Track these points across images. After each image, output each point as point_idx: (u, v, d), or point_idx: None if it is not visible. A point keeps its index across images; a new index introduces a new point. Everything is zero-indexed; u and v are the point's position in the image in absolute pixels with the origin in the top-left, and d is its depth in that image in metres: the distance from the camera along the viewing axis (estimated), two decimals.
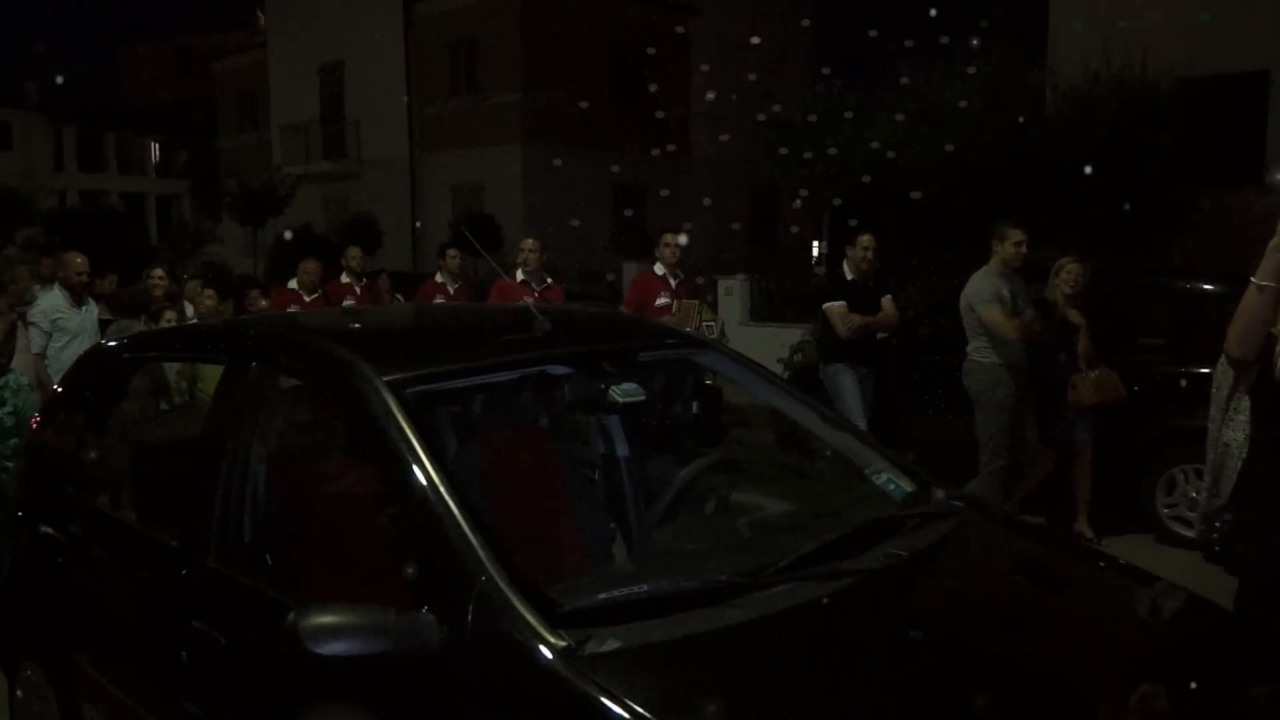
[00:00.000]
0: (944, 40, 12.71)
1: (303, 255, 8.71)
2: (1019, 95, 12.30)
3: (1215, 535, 2.90)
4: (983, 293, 5.91)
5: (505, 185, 22.42)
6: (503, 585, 1.97)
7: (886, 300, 6.80)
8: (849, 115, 13.45)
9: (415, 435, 2.26)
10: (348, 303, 8.49)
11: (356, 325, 3.37)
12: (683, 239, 7.21)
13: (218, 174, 30.65)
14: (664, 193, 19.20)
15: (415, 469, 2.21)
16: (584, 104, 22.49)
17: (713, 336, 6.73)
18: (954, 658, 2.09)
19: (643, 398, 2.88)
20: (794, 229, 20.25)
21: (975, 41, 12.39)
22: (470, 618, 1.97)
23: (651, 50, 23.96)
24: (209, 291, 7.42)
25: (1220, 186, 11.25)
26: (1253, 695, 2.18)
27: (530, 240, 7.26)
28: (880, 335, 6.92)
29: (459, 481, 2.23)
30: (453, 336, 3.10)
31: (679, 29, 24.29)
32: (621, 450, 3.27)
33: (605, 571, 2.58)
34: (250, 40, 31.54)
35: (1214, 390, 3.56)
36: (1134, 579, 2.58)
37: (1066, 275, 6.10)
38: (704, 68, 24.49)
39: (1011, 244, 5.97)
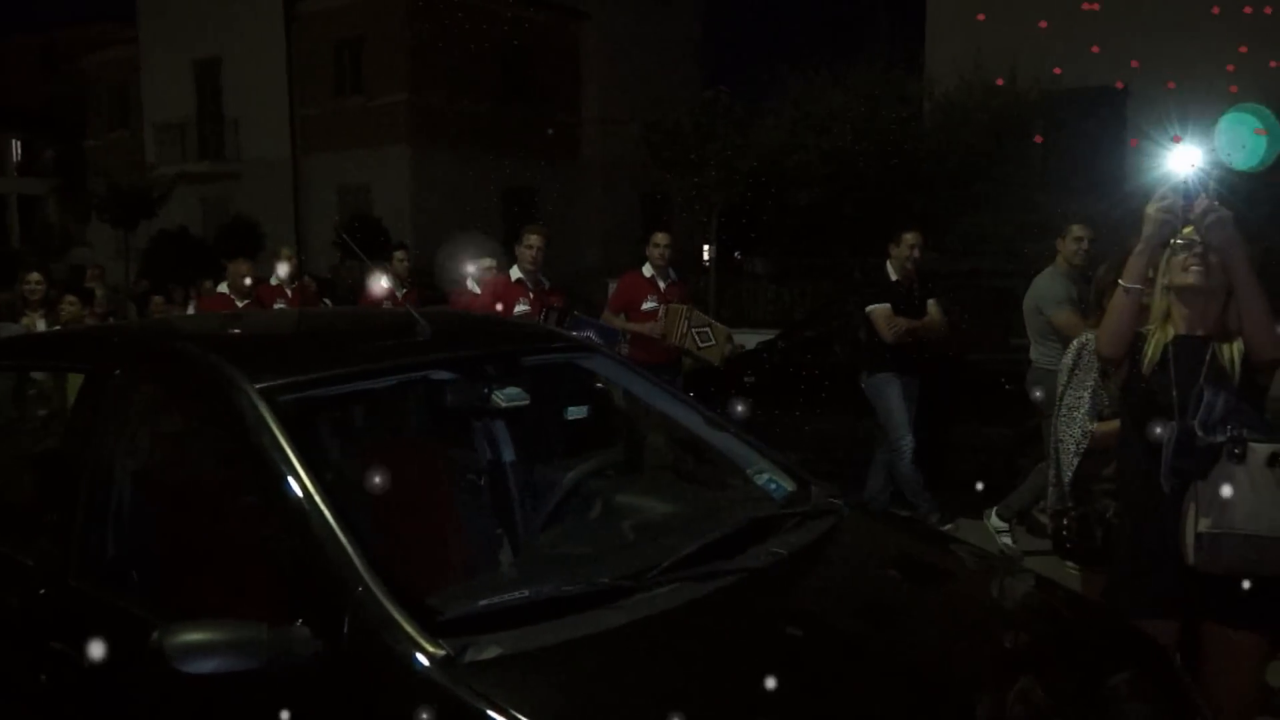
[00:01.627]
0: (827, 50, 13.03)
1: (179, 259, 8.31)
2: (898, 104, 12.71)
3: (1064, 532, 3.04)
4: (1054, 294, 5.52)
5: (392, 187, 22.04)
6: (379, 595, 1.93)
7: (932, 304, 6.30)
8: (735, 122, 13.66)
9: (289, 444, 2.19)
10: (279, 306, 8.00)
11: (230, 331, 3.26)
12: (663, 238, 6.76)
13: (85, 174, 29.24)
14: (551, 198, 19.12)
15: (289, 478, 2.14)
16: (473, 106, 22.32)
17: (710, 345, 6.42)
18: (834, 654, 2.13)
19: (526, 402, 2.86)
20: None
21: (856, 52, 12.75)
22: (346, 629, 1.92)
23: (541, 53, 23.91)
24: (70, 298, 6.99)
25: (1085, 195, 11.82)
26: (1113, 683, 2.29)
27: (534, 236, 6.52)
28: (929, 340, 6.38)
29: (336, 490, 2.17)
30: (330, 342, 3.02)
31: (568, 32, 24.32)
32: (507, 455, 3.24)
33: (488, 578, 2.55)
34: (121, 34, 30.21)
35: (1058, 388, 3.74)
36: (1009, 573, 2.68)
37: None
38: (593, 72, 24.58)
39: (1073, 239, 5.66)
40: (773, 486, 2.86)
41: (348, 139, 22.69)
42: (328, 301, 9.15)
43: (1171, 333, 2.68)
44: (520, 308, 6.26)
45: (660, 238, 6.77)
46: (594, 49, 24.74)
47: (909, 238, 6.24)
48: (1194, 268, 2.61)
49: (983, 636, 2.31)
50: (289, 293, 8.24)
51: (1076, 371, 3.63)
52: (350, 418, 3.05)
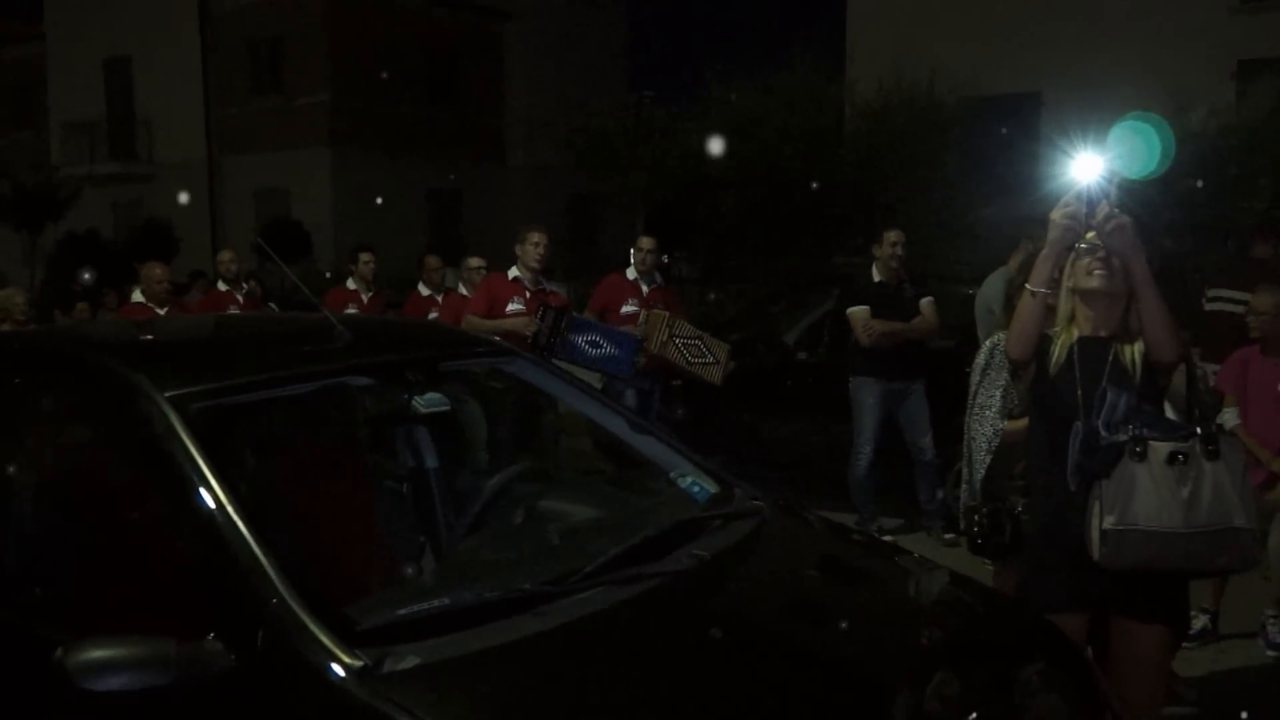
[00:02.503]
0: (750, 55, 13.19)
1: (84, 263, 7.95)
2: (820, 110, 12.89)
3: (976, 528, 3.12)
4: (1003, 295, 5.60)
5: (313, 190, 21.64)
6: (294, 606, 1.90)
7: (926, 303, 6.09)
8: (660, 126, 13.74)
9: (200, 453, 2.14)
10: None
11: (139, 337, 3.17)
12: (648, 242, 6.56)
13: None
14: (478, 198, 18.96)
15: (201, 489, 2.10)
16: (395, 107, 22.05)
17: (706, 361, 6.13)
18: (757, 655, 2.16)
19: (447, 408, 2.84)
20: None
21: (778, 57, 12.90)
22: (260, 642, 1.89)
23: (464, 55, 23.74)
24: None
25: (1001, 199, 12.14)
26: (1025, 675, 2.36)
27: (536, 234, 6.31)
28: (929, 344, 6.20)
29: (250, 500, 2.13)
30: (244, 348, 2.96)
31: (491, 33, 24.17)
32: (430, 461, 3.21)
33: (408, 586, 2.52)
34: (26, 31, 29.14)
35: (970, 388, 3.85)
36: (925, 571, 2.74)
37: None
38: (518, 74, 24.49)
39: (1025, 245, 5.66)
40: (696, 489, 2.88)
41: (266, 140, 22.22)
42: (274, 306, 8.80)
43: (1076, 334, 2.77)
44: (514, 306, 6.16)
45: (645, 242, 6.61)
46: (518, 51, 24.63)
47: (890, 236, 6.13)
48: (1097, 272, 2.70)
49: (900, 633, 2.36)
50: (239, 298, 7.78)
51: (988, 371, 3.74)
52: (265, 426, 2.98)
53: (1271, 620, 4.48)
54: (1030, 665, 2.37)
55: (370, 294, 7.83)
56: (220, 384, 2.43)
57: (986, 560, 3.37)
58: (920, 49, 12.47)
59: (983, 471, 3.63)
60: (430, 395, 2.77)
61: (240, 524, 2.03)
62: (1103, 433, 2.60)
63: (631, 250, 6.66)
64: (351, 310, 7.62)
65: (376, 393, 2.92)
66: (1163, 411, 2.73)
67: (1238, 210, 10.08)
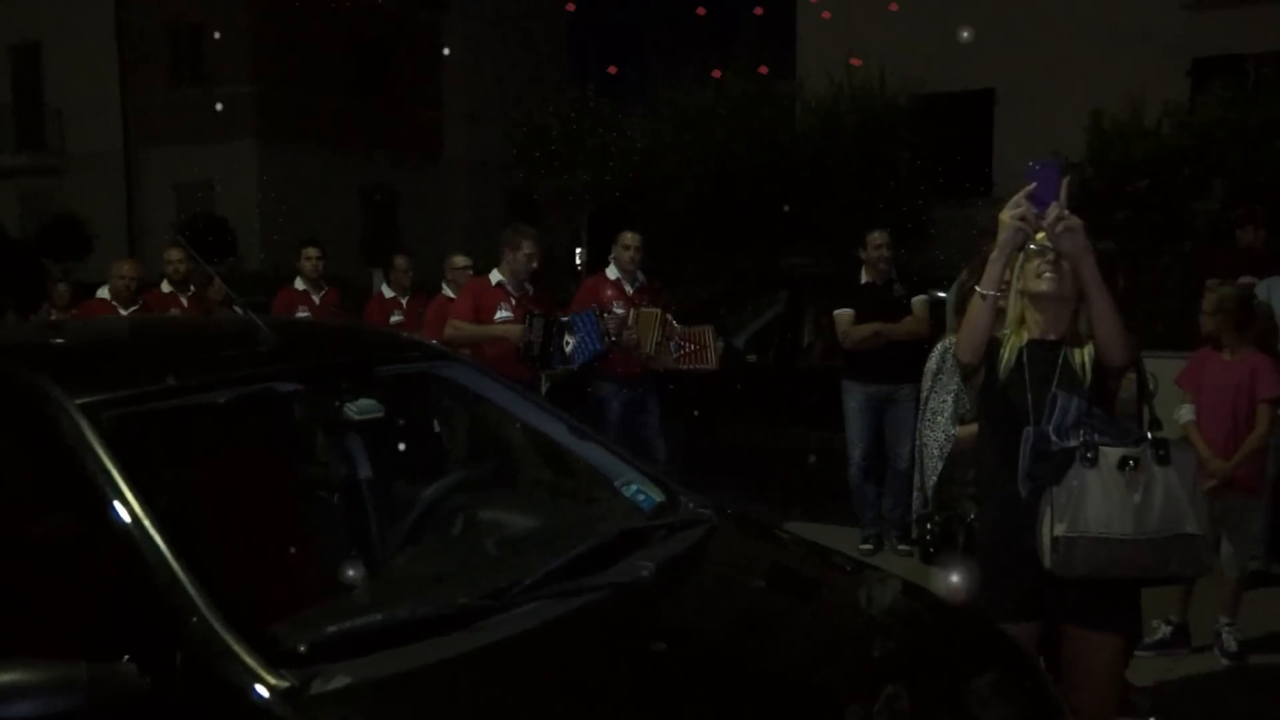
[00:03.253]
0: (698, 49, 13.24)
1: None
2: (770, 106, 12.99)
3: (928, 536, 3.17)
4: None
5: (238, 185, 21.30)
6: (216, 625, 1.87)
7: (918, 303, 6.07)
8: (604, 121, 13.74)
9: (114, 464, 2.10)
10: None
11: (50, 341, 3.10)
12: (632, 238, 6.35)
13: None
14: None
15: (115, 502, 2.06)
16: (326, 99, 21.79)
17: (693, 353, 6.02)
18: (703, 669, 2.16)
19: (381, 414, 2.82)
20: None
21: (726, 51, 12.97)
22: (179, 663, 1.86)
23: (399, 44, 23.54)
24: None
25: (953, 199, 12.35)
26: (977, 684, 2.40)
27: (529, 243, 6.00)
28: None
29: (169, 513, 2.09)
30: (163, 352, 2.91)
31: (427, 24, 24.00)
32: (363, 471, 3.18)
33: (338, 602, 2.49)
34: None
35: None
36: (876, 580, 2.77)
37: None
38: (456, 66, 24.34)
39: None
40: (641, 498, 2.88)
41: (187, 132, 21.81)
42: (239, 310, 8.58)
43: (1026, 337, 2.83)
44: (501, 313, 5.93)
45: (629, 238, 6.41)
46: (456, 41, 24.48)
47: (875, 237, 6.17)
48: (1047, 274, 2.75)
49: (850, 644, 2.39)
50: (184, 302, 7.33)
51: (940, 375, 3.79)
52: (186, 434, 2.93)
53: (1226, 629, 4.60)
54: (983, 675, 2.41)
55: (322, 293, 7.56)
56: (135, 390, 2.38)
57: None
58: (871, 45, 12.63)
59: (935, 478, 3.68)
60: (363, 401, 2.74)
61: (157, 538, 2.00)
62: (1053, 438, 2.65)
63: (615, 248, 6.49)
64: (303, 313, 7.35)
65: (305, 399, 2.88)
66: (1114, 417, 2.79)
67: (1191, 211, 10.35)
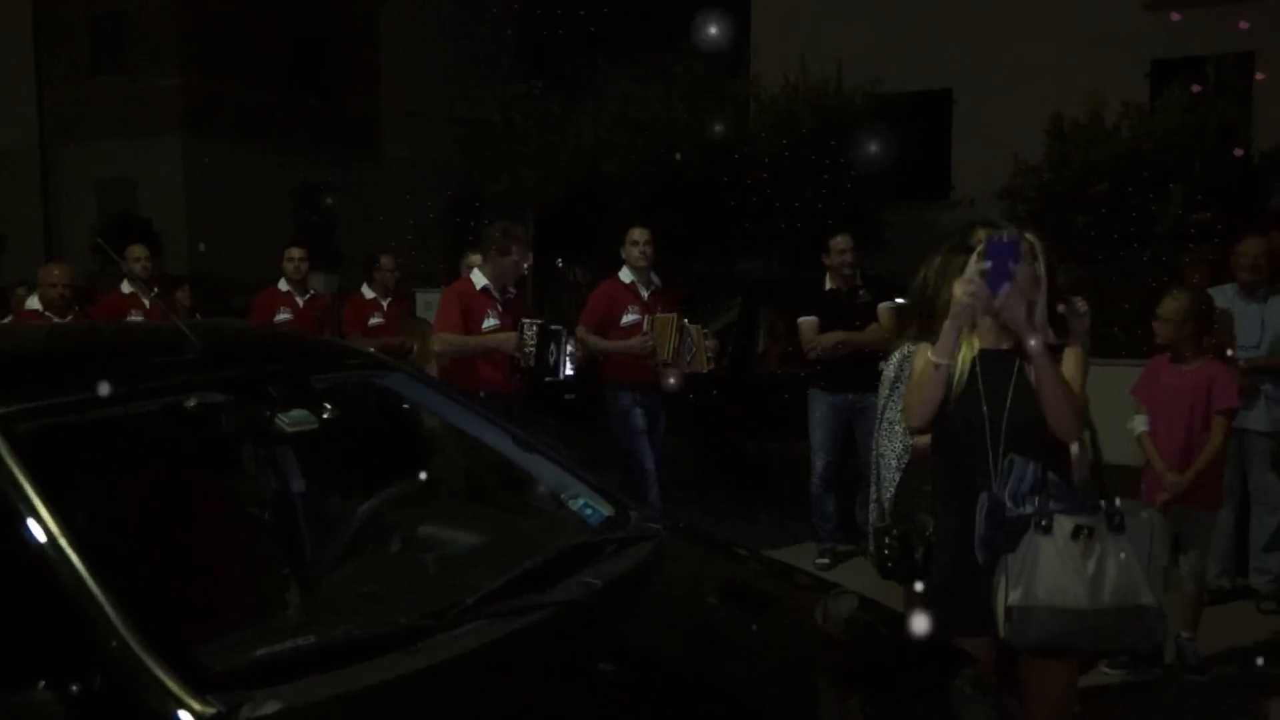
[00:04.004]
0: (648, 45, 13.26)
1: None
2: (724, 106, 13.07)
3: (886, 551, 3.22)
4: None
5: (163, 183, 20.99)
6: (137, 648, 1.85)
7: (883, 309, 6.06)
8: (552, 119, 13.71)
9: (27, 479, 2.07)
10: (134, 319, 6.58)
11: None
12: (641, 234, 6.10)
13: None
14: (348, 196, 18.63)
15: (29, 519, 2.02)
16: (258, 93, 21.53)
17: (691, 357, 5.93)
18: (652, 690, 2.18)
19: (315, 425, 2.80)
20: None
21: (677, 48, 12.99)
22: (98, 689, 1.83)
23: (336, 37, 23.35)
24: None
25: (911, 202, 12.51)
26: (958, 682, 2.45)
27: (519, 248, 5.73)
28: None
29: (87, 531, 2.06)
30: (83, 361, 2.86)
31: (366, 15, 23.82)
32: (295, 485, 3.15)
33: (269, 623, 2.47)
34: None
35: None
36: (831, 595, 2.80)
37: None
38: (396, 60, 24.20)
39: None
40: (589, 512, 2.89)
41: (109, 126, 21.45)
42: (199, 316, 7.99)
43: (978, 345, 2.89)
44: (490, 321, 5.63)
45: (638, 233, 6.17)
46: (397, 35, 24.34)
47: (838, 242, 6.21)
48: (990, 334, 2.87)
49: (804, 661, 2.42)
50: (147, 304, 6.80)
51: (898, 384, 3.84)
52: (106, 448, 2.89)
53: (1187, 642, 4.69)
54: (939, 691, 2.45)
55: (307, 296, 7.41)
56: (51, 402, 2.35)
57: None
58: (826, 43, 12.76)
59: (891, 490, 3.72)
60: (296, 412, 2.72)
61: (74, 558, 1.97)
62: (1009, 505, 2.72)
63: (624, 246, 6.21)
64: (284, 316, 7.20)
65: (234, 410, 2.85)
66: (1070, 481, 2.86)
67: (1150, 216, 10.57)
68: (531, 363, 5.37)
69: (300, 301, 7.38)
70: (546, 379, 5.51)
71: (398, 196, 23.77)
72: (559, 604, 2.32)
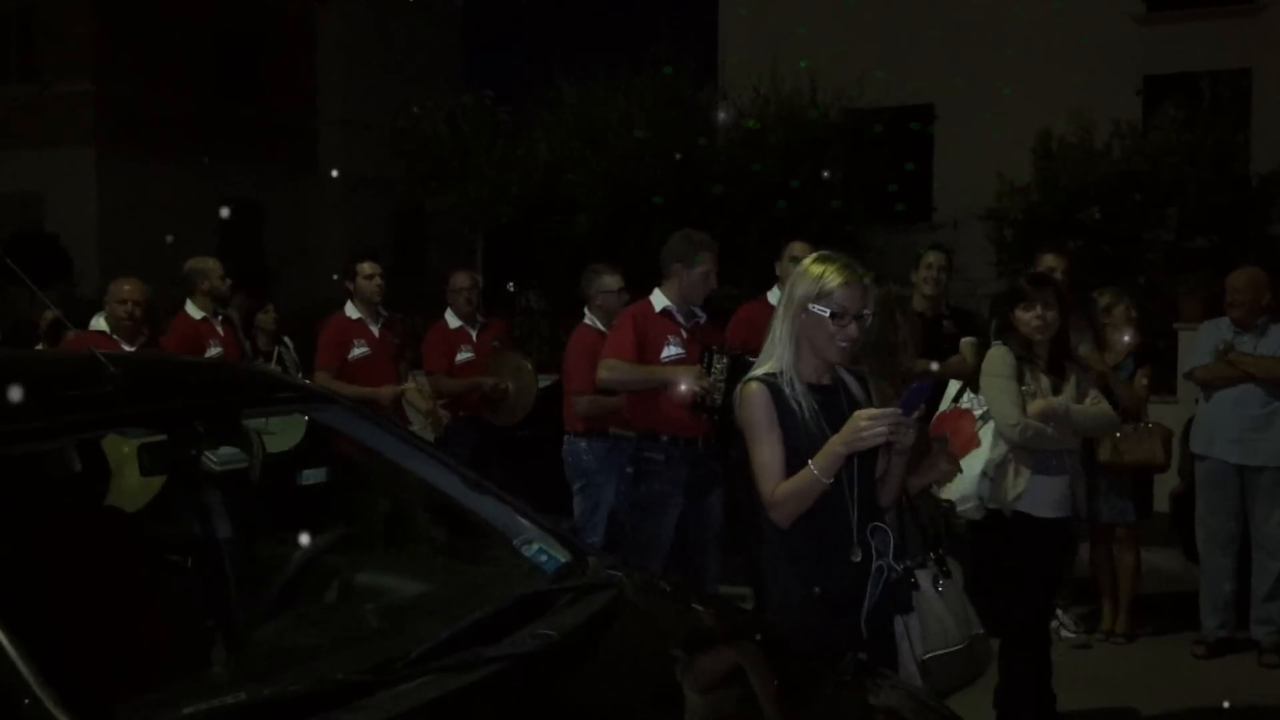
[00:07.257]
0: (607, 55, 13.37)
1: None
2: (689, 119, 13.19)
3: None
4: None
5: (74, 197, 20.79)
6: (51, 708, 1.85)
7: (966, 343, 5.79)
8: (503, 132, 13.77)
9: None
10: (215, 352, 6.12)
11: None
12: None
13: None
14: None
15: None
16: (180, 101, 21.44)
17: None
18: None
19: (246, 464, 2.81)
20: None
21: (640, 58, 13.14)
22: None
23: (268, 42, 23.33)
24: None
25: (890, 223, 12.69)
26: None
27: (705, 255, 5.22)
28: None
29: None
30: None
31: (301, 17, 23.83)
32: (222, 530, 3.15)
33: (194, 680, 2.47)
34: None
35: None
36: (794, 649, 2.85)
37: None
38: (334, 67, 24.21)
39: (924, 266, 6.07)
40: (544, 558, 2.91)
41: (12, 136, 21.24)
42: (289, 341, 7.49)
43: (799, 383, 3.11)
44: (672, 350, 5.09)
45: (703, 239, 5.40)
46: (335, 40, 24.35)
47: (930, 258, 6.12)
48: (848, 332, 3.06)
49: (767, 717, 2.45)
50: (220, 332, 6.33)
51: None
52: (12, 489, 2.88)
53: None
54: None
55: (380, 323, 6.52)
56: None
57: None
58: (800, 54, 12.95)
59: None
60: (225, 450, 2.73)
61: None
62: (896, 567, 3.02)
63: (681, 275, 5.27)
64: (361, 351, 6.36)
65: (155, 448, 2.85)
66: (920, 525, 3.29)
67: (1143, 243, 10.79)
68: (719, 400, 4.74)
69: (375, 330, 6.48)
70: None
71: (332, 213, 23.73)
72: (510, 658, 2.34)
